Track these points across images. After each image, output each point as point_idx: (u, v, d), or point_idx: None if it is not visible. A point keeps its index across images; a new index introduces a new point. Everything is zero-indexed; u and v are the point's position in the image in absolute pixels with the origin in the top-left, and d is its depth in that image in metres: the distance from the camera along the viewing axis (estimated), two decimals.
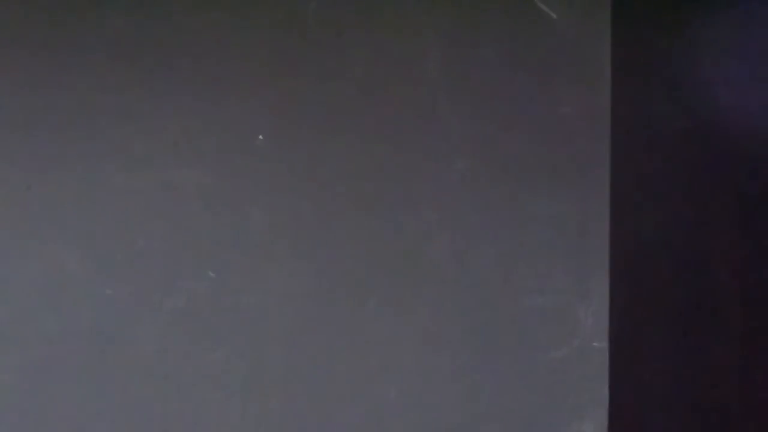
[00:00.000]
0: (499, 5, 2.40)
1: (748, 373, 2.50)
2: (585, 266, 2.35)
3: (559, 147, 2.37)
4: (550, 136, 2.37)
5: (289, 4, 2.45)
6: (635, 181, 2.39)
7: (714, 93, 2.50)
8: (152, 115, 2.45)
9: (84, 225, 2.44)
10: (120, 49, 2.46)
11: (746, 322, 2.51)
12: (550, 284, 2.35)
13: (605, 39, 2.37)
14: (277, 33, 2.44)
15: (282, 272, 2.41)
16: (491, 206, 2.38)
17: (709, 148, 2.49)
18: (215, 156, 2.44)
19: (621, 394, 2.33)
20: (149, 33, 2.46)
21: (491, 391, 2.36)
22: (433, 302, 2.38)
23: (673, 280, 2.44)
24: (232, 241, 2.42)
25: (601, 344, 2.33)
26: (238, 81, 2.44)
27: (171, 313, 2.42)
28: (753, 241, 2.52)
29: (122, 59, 2.46)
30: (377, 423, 2.38)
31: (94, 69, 2.46)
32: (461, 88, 2.40)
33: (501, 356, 2.36)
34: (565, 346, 2.34)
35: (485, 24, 2.40)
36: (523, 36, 2.39)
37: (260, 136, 2.43)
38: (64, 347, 2.43)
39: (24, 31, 2.48)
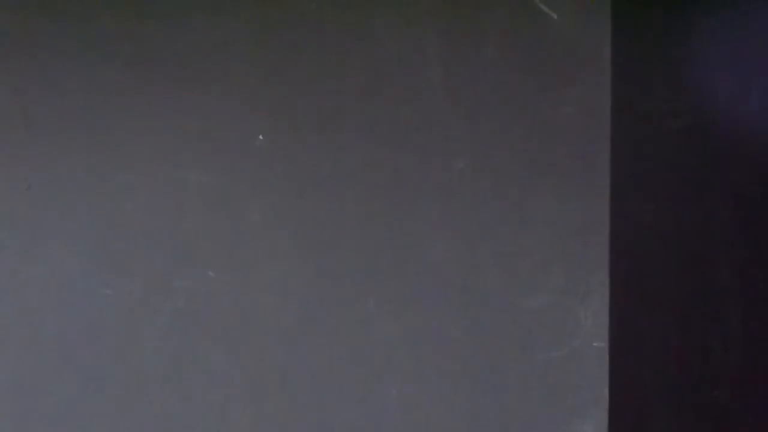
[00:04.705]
0: (499, 5, 2.40)
1: (748, 373, 2.50)
2: (585, 266, 2.35)
3: (559, 147, 2.37)
4: (550, 136, 2.37)
5: (289, 4, 2.45)
6: (635, 181, 2.39)
7: (714, 93, 2.50)
8: (152, 115, 2.45)
9: (84, 225, 2.45)
10: (119, 49, 2.46)
11: (746, 321, 2.51)
12: (550, 284, 2.35)
13: (605, 39, 2.37)
14: (277, 33, 2.44)
15: (282, 272, 2.41)
16: (491, 206, 2.38)
17: (709, 147, 2.49)
18: (215, 156, 2.44)
19: (621, 394, 2.33)
20: (149, 33, 2.46)
21: (491, 391, 2.35)
22: (433, 302, 2.38)
23: (673, 280, 2.43)
24: (232, 241, 2.42)
25: (601, 344, 2.33)
26: (238, 81, 2.44)
27: (171, 313, 2.42)
28: (753, 241, 2.52)
29: (122, 59, 2.46)
30: (377, 423, 2.38)
31: (94, 69, 2.46)
32: (461, 88, 2.40)
33: (501, 356, 2.36)
34: (565, 346, 2.34)
35: (485, 24, 2.40)
36: (523, 36, 2.39)
37: (260, 136, 2.43)
38: (64, 347, 2.43)
39: (24, 32, 2.48)
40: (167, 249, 2.43)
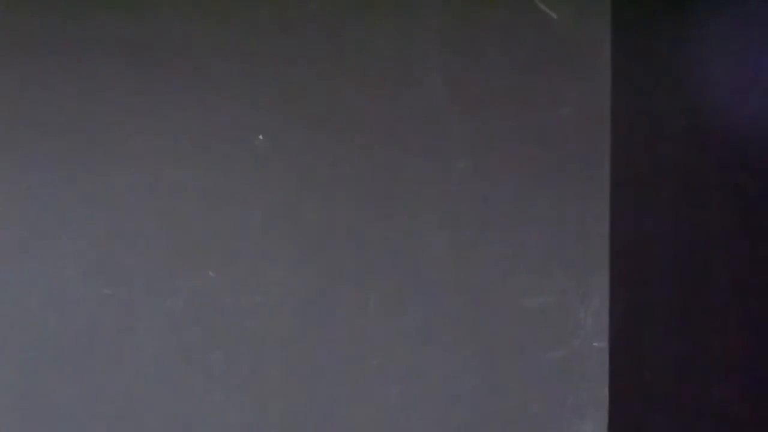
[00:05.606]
0: (499, 5, 2.40)
1: (748, 373, 2.50)
2: (585, 266, 2.35)
3: (559, 147, 2.37)
4: (550, 136, 2.37)
5: (289, 4, 2.45)
6: (635, 181, 2.39)
7: (714, 93, 2.50)
8: (152, 115, 2.45)
9: (84, 225, 2.44)
10: (120, 49, 2.46)
11: (746, 321, 2.51)
12: (550, 284, 2.35)
13: (605, 39, 2.37)
14: (277, 33, 2.44)
15: (282, 272, 2.41)
16: (491, 206, 2.38)
17: (709, 147, 2.49)
18: (215, 156, 2.44)
19: (621, 394, 2.33)
20: (149, 33, 2.46)
21: (491, 391, 2.36)
22: (433, 302, 2.38)
23: (673, 280, 2.44)
24: (232, 242, 2.42)
25: (601, 344, 2.33)
26: (238, 81, 2.44)
27: (171, 313, 2.42)
28: (753, 241, 2.52)
29: (122, 59, 2.46)
30: (377, 423, 2.38)
31: (94, 69, 2.46)
32: (461, 88, 2.40)
33: (501, 356, 2.36)
34: (565, 346, 2.34)
35: (485, 24, 2.40)
36: (523, 36, 2.39)
37: (260, 136, 2.43)
38: (64, 347, 2.43)
39: (24, 31, 2.48)
40: (167, 249, 2.43)
